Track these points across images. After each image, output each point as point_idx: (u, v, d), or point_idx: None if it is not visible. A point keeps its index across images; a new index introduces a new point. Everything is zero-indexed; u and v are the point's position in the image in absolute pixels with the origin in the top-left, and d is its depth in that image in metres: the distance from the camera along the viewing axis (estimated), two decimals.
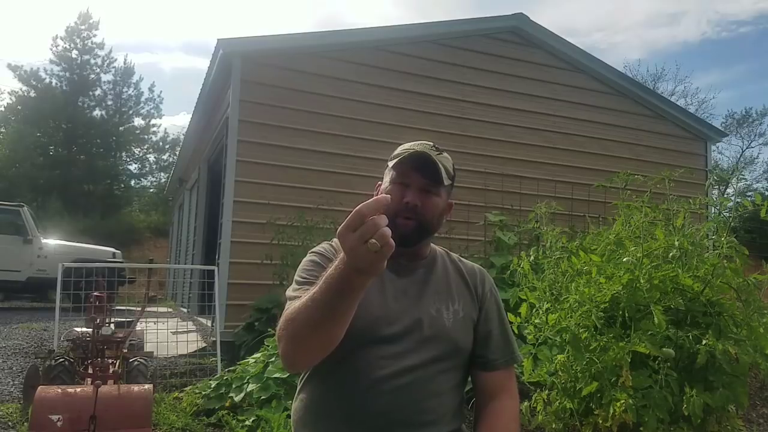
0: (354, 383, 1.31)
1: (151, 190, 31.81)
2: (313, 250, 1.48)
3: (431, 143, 1.44)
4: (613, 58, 51.37)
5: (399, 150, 1.45)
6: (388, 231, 0.99)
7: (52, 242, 10.84)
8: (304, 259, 1.45)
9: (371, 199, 1.02)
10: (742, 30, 45.39)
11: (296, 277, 1.40)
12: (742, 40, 45.25)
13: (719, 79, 46.12)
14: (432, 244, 1.55)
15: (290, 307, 1.24)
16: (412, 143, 1.44)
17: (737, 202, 3.03)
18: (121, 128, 30.08)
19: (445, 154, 1.45)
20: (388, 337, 1.34)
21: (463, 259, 1.58)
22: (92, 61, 29.45)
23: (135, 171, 32.15)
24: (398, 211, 1.37)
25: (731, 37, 44.90)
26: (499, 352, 1.47)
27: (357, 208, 1.01)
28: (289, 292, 1.36)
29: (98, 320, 4.14)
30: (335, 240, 1.48)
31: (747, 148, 29.12)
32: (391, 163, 1.43)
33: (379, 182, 1.50)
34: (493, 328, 1.48)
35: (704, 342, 2.56)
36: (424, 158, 1.38)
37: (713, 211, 4.21)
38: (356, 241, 0.99)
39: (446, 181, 1.40)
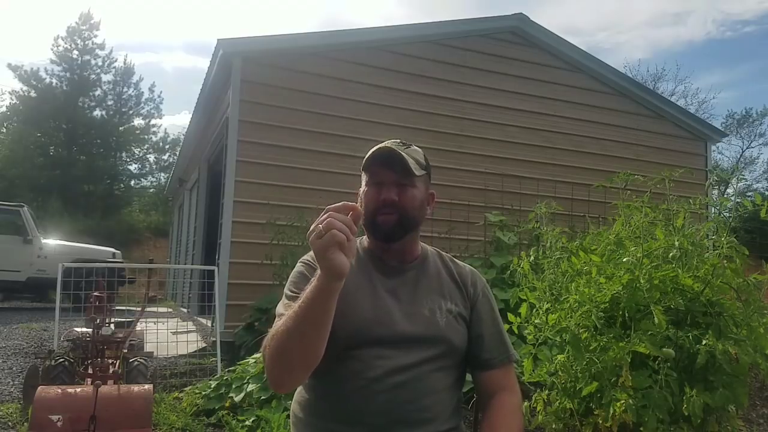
0: (351, 383, 1.32)
1: (151, 190, 31.81)
2: (302, 259, 1.49)
3: (398, 140, 1.46)
4: (617, 58, 51.63)
5: (368, 154, 1.47)
6: (334, 222, 1.09)
7: (52, 242, 10.85)
8: (294, 270, 1.47)
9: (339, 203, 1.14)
10: (747, 29, 45.46)
11: (285, 291, 1.42)
12: (746, 40, 45.30)
13: (723, 79, 46.23)
14: (423, 244, 1.55)
15: (275, 325, 1.29)
16: (379, 144, 1.46)
17: (737, 202, 3.02)
18: (121, 128, 30.09)
19: (414, 147, 1.46)
20: (381, 338, 1.35)
21: (456, 259, 1.58)
22: (93, 62, 29.49)
23: (135, 171, 32.23)
24: (377, 209, 1.39)
25: (736, 36, 44.97)
26: (493, 352, 1.47)
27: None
28: (278, 308, 1.38)
29: (98, 320, 4.14)
30: None
31: (747, 148, 29.20)
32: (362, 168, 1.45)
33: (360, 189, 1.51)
34: (486, 328, 1.48)
35: (704, 342, 2.55)
36: (389, 154, 1.39)
37: (713, 211, 4.20)
38: (313, 235, 1.11)
39: (418, 172, 1.41)
